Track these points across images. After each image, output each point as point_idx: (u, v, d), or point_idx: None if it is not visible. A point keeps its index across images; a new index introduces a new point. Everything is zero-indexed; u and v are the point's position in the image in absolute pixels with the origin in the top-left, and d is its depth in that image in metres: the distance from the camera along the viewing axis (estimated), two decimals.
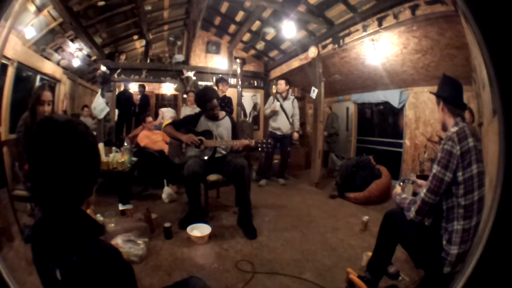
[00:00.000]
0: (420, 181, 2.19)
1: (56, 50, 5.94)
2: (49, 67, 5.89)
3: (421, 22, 3.55)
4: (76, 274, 0.80)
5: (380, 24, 3.95)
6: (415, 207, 1.86)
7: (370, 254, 2.28)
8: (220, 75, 6.96)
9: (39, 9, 4.50)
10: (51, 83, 2.93)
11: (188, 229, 3.07)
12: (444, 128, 1.91)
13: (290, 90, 5.68)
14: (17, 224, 2.91)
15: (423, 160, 4.20)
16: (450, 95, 1.92)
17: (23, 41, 4.69)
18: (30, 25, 4.59)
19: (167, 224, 3.10)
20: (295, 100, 5.63)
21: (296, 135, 5.55)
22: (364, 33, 4.24)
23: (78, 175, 0.94)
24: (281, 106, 5.45)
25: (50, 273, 0.87)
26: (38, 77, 5.37)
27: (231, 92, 6.28)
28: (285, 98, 5.51)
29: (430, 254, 1.86)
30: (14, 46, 4.42)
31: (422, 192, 1.83)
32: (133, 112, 6.96)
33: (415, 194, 2.08)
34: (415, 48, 4.10)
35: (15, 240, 2.81)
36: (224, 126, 3.61)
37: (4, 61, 4.09)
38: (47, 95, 2.63)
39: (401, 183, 2.28)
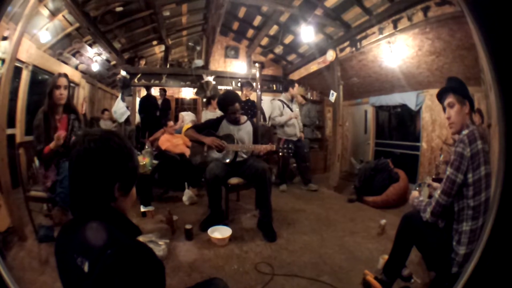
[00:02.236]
0: (435, 184, 2.24)
1: (73, 55, 6.00)
2: (66, 71, 5.74)
3: (433, 24, 3.56)
4: (107, 264, 0.84)
5: (395, 27, 3.97)
6: (430, 208, 1.92)
7: (386, 257, 2.31)
8: (240, 79, 7.04)
9: (53, 14, 4.53)
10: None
11: (209, 231, 3.11)
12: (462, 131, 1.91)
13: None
14: (31, 224, 2.98)
15: (439, 163, 4.15)
16: (469, 94, 1.95)
17: (37, 44, 4.73)
18: (45, 29, 4.64)
19: (188, 226, 3.14)
20: (296, 100, 5.59)
21: (302, 135, 5.49)
22: (381, 36, 4.26)
23: (93, 182, 1.02)
24: (291, 110, 5.33)
25: (76, 267, 0.90)
26: None
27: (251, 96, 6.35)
28: (292, 102, 5.43)
29: (441, 254, 1.90)
30: (28, 49, 4.47)
31: (437, 193, 1.89)
32: (154, 115, 7.07)
33: (431, 196, 2.11)
34: (429, 50, 4.08)
35: (28, 240, 2.88)
36: (245, 130, 3.63)
37: (17, 64, 4.11)
38: (62, 80, 2.81)
39: (417, 187, 2.32)
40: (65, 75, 2.88)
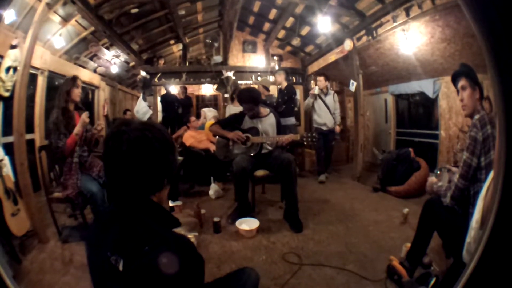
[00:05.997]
0: (454, 169, 2.27)
1: (91, 58, 6.10)
2: (85, 75, 6.01)
3: (441, 11, 3.56)
4: (144, 263, 0.78)
5: (407, 14, 3.97)
6: (450, 192, 1.97)
7: (409, 245, 2.35)
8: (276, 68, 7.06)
9: (65, 19, 4.54)
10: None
11: (237, 223, 3.19)
12: (473, 115, 1.96)
13: (329, 85, 5.82)
14: (55, 225, 3.09)
15: (456, 151, 4.12)
16: (478, 81, 1.99)
17: (51, 50, 4.82)
18: (58, 35, 4.69)
19: (216, 219, 3.23)
20: (336, 95, 5.74)
21: (338, 128, 5.72)
22: (395, 24, 4.25)
23: (148, 170, 0.97)
24: (323, 101, 5.54)
25: (110, 266, 0.86)
26: None
27: (270, 90, 6.36)
28: (326, 94, 5.61)
29: (458, 239, 1.92)
30: (42, 56, 4.56)
31: (455, 178, 1.94)
32: (177, 113, 7.18)
33: (450, 181, 2.15)
34: (441, 37, 4.07)
35: (50, 242, 2.96)
36: (268, 122, 3.68)
37: (32, 71, 4.16)
38: (80, 81, 3.07)
39: (438, 172, 2.36)
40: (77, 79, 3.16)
